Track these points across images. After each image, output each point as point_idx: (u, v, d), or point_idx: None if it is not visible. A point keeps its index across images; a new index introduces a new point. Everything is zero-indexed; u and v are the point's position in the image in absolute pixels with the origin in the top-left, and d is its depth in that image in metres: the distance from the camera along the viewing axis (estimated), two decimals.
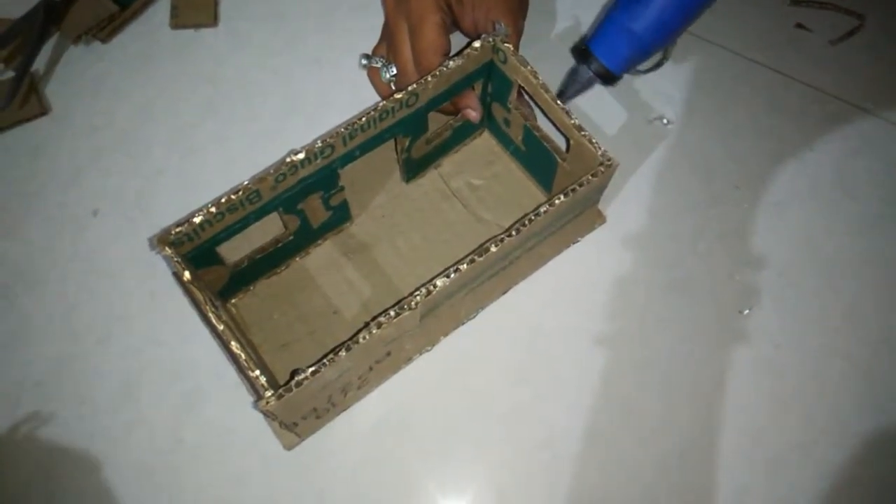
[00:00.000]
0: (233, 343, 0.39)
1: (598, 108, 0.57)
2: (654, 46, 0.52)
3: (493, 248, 0.42)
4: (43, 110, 0.57)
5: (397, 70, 0.52)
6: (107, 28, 0.60)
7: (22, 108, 0.57)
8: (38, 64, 0.59)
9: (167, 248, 0.41)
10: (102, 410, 0.48)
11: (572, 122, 0.45)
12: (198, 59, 0.59)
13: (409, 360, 0.49)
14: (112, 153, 0.56)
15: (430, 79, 0.45)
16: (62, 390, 0.49)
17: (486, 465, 0.47)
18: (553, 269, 0.52)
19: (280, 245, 0.49)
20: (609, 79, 0.52)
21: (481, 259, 0.41)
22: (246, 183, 0.42)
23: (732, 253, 0.53)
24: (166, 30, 0.60)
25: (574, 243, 0.52)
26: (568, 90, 0.53)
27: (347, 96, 0.57)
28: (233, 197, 0.42)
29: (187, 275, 0.41)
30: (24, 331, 0.50)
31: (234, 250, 0.47)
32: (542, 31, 0.60)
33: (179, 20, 0.60)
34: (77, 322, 0.51)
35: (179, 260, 0.41)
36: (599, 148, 0.45)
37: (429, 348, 0.49)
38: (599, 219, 0.53)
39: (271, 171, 0.42)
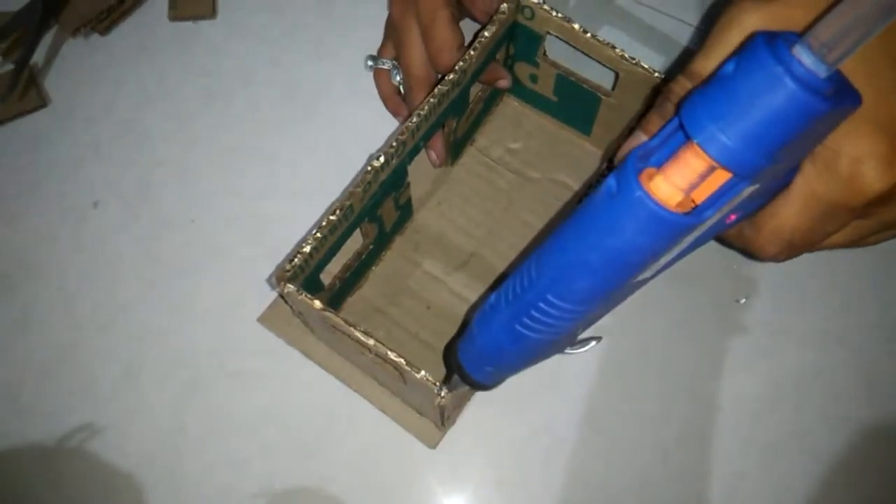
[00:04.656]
0: (390, 353, 0.38)
1: None
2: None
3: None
4: (42, 102, 0.57)
5: (402, 71, 0.51)
6: (105, 20, 0.60)
7: (21, 101, 0.57)
8: (37, 56, 0.59)
9: (288, 285, 0.39)
10: (104, 398, 0.49)
11: (619, 53, 0.46)
12: (196, 50, 0.60)
13: None
14: (111, 145, 0.56)
15: (472, 52, 0.45)
16: (64, 379, 0.49)
17: (484, 451, 0.48)
18: None
19: (363, 257, 0.48)
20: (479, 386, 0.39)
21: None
22: (340, 201, 0.41)
23: None
24: (165, 22, 0.61)
25: None
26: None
27: (346, 87, 0.58)
28: (332, 217, 0.41)
29: (318, 304, 0.39)
30: (26, 320, 0.51)
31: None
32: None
33: (178, 12, 0.60)
34: (78, 311, 0.51)
35: (306, 294, 0.39)
36: (654, 70, 0.45)
37: None
38: None
39: (358, 183, 0.41)
